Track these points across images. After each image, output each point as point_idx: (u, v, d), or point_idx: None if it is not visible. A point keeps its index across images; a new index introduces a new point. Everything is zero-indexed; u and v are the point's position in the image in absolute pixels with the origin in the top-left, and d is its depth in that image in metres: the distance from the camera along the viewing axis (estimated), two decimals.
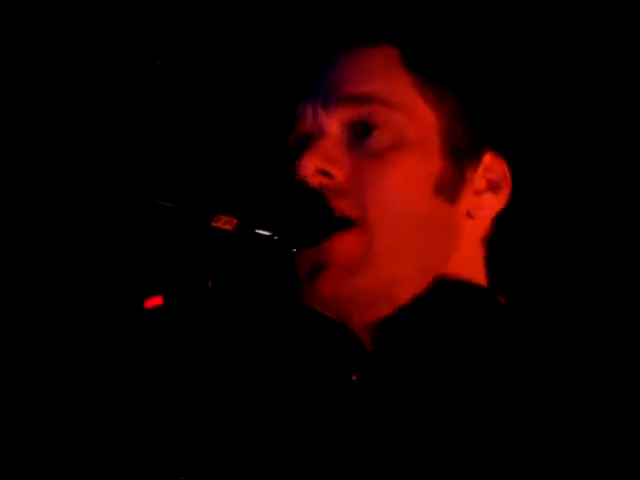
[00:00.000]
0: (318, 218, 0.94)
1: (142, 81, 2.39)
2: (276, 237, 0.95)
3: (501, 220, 0.99)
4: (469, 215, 0.97)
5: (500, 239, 0.99)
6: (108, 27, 2.30)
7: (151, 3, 2.26)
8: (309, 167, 0.93)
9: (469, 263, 0.96)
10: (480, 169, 0.96)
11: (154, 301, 1.00)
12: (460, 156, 0.94)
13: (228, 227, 0.94)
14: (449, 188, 0.94)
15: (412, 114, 0.94)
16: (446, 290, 0.94)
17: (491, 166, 0.97)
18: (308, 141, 0.97)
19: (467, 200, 0.96)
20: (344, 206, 0.94)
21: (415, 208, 0.92)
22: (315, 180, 0.93)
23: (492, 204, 0.97)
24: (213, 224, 0.94)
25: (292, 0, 2.29)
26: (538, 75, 1.54)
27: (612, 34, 1.72)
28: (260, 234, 0.96)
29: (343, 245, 0.93)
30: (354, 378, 0.85)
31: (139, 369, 1.60)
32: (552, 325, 0.89)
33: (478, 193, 0.97)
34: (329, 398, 0.96)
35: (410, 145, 0.93)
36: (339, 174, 0.94)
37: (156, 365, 1.49)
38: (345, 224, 0.93)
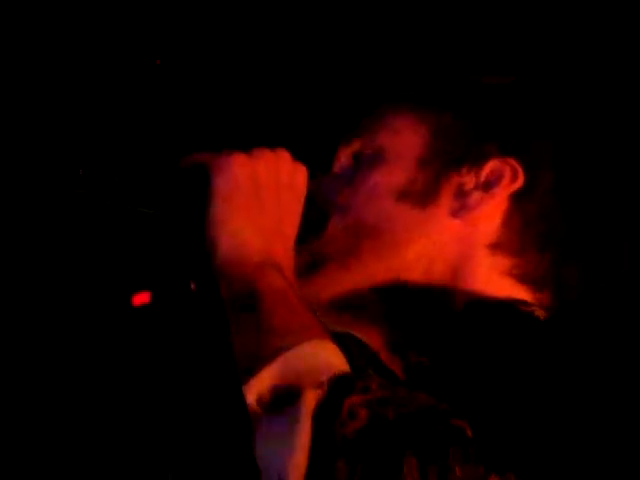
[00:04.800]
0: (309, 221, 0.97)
1: (142, 81, 2.38)
2: None
3: (516, 226, 0.98)
4: (454, 215, 0.98)
5: (523, 246, 0.98)
6: (107, 27, 2.30)
7: (151, 3, 2.26)
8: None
9: (477, 268, 0.97)
10: (479, 171, 0.98)
11: (141, 298, 1.01)
12: (445, 164, 0.99)
13: None
14: (418, 194, 0.98)
15: (395, 136, 1.02)
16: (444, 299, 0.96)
17: (492, 166, 0.98)
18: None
19: (447, 202, 0.98)
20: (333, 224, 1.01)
21: (376, 217, 0.99)
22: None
23: (481, 202, 0.97)
24: None
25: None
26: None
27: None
28: None
29: (332, 243, 0.99)
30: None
31: (128, 366, 1.60)
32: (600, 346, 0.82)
33: (463, 194, 0.98)
34: None
35: (385, 162, 1.00)
36: (335, 198, 1.02)
37: (145, 362, 1.49)
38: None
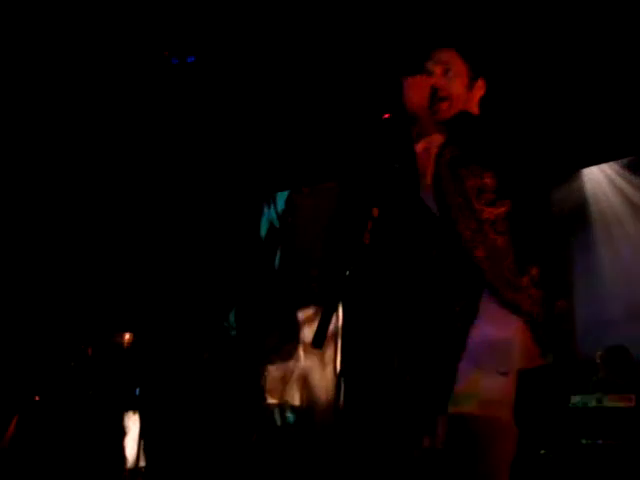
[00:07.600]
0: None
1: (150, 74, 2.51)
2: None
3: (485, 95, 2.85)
4: (474, 92, 2.83)
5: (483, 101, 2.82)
6: (114, 22, 2.42)
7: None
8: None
9: (475, 107, 2.84)
10: (478, 82, 2.82)
11: (386, 115, 2.51)
12: (472, 78, 2.81)
13: None
14: (469, 86, 2.80)
15: (457, 66, 2.81)
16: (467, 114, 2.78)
17: (480, 81, 2.82)
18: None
19: (476, 90, 2.82)
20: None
21: (460, 93, 2.79)
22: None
23: (478, 90, 2.83)
24: None
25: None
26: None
27: None
28: None
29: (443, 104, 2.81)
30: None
31: None
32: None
33: (477, 88, 2.83)
34: None
35: (458, 74, 2.80)
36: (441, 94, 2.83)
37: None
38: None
